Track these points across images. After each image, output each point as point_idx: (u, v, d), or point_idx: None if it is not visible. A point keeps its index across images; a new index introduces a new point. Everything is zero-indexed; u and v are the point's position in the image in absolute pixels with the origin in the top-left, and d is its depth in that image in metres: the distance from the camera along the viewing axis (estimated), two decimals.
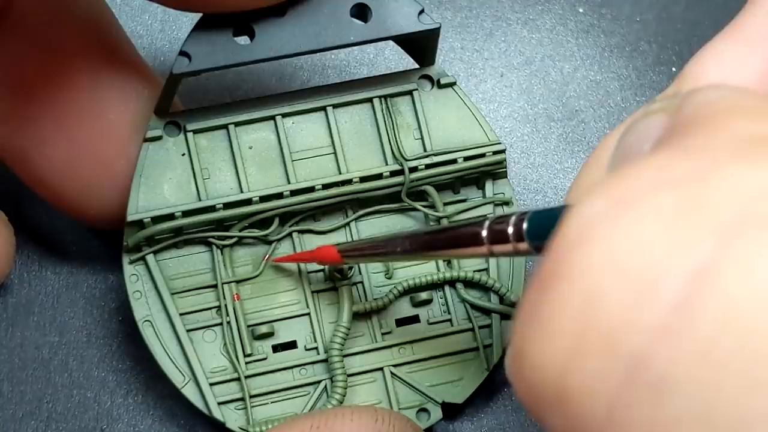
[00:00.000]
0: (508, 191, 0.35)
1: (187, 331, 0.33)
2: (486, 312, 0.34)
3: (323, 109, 0.34)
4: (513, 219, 0.22)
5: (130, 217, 0.32)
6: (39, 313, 0.36)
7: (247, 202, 0.33)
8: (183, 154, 0.33)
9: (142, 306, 0.33)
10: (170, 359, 0.33)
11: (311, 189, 0.34)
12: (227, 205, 0.33)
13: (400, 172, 0.34)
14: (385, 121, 0.34)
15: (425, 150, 0.34)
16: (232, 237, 0.34)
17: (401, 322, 0.34)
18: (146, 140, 0.33)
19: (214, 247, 0.34)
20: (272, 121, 0.34)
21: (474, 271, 0.34)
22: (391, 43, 0.35)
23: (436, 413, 0.33)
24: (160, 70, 0.37)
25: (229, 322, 0.33)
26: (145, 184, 0.33)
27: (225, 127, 0.34)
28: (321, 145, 0.34)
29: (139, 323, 0.33)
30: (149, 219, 0.33)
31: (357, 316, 0.34)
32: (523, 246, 0.22)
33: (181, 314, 0.33)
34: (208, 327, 0.33)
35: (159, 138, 0.33)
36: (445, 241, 0.27)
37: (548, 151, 0.39)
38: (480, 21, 0.40)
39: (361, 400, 0.33)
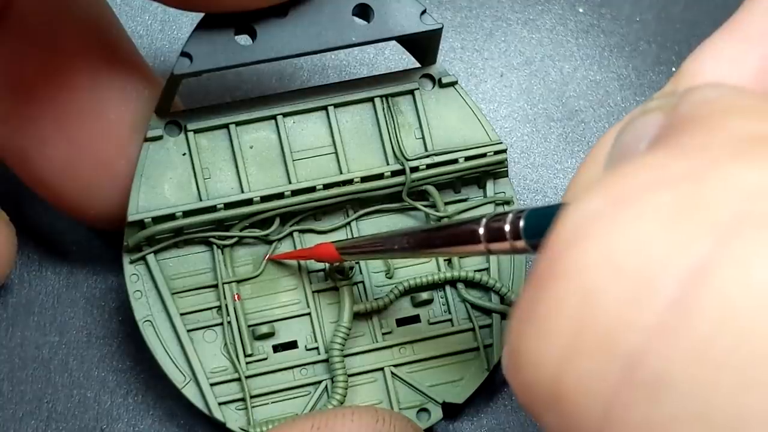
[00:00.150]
0: (509, 191, 0.35)
1: (188, 331, 0.33)
2: (486, 312, 0.34)
3: (324, 108, 0.34)
4: (510, 217, 0.22)
5: (130, 217, 0.32)
6: (39, 313, 0.36)
7: (248, 202, 0.33)
8: (183, 154, 0.33)
9: (142, 306, 0.33)
10: (170, 359, 0.33)
11: (312, 189, 0.34)
12: (228, 205, 0.33)
13: (401, 172, 0.34)
14: (386, 121, 0.34)
15: (426, 149, 0.34)
16: (232, 237, 0.34)
17: (402, 322, 0.34)
18: (147, 140, 0.33)
19: (215, 247, 0.34)
20: (273, 121, 0.34)
21: (475, 271, 0.34)
22: (391, 42, 0.35)
23: (437, 413, 0.33)
24: (160, 70, 0.37)
25: (229, 322, 0.33)
26: (146, 184, 0.33)
27: (226, 126, 0.34)
28: (322, 144, 0.34)
29: (139, 323, 0.33)
30: (150, 219, 0.33)
31: (358, 316, 0.34)
32: (520, 244, 0.22)
33: (181, 314, 0.33)
34: (209, 327, 0.33)
35: (159, 138, 0.33)
36: (442, 239, 0.27)
37: (548, 151, 0.39)
38: (480, 21, 0.40)
39: (362, 400, 0.33)
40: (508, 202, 0.35)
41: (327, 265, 0.34)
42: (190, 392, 0.33)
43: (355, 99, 0.34)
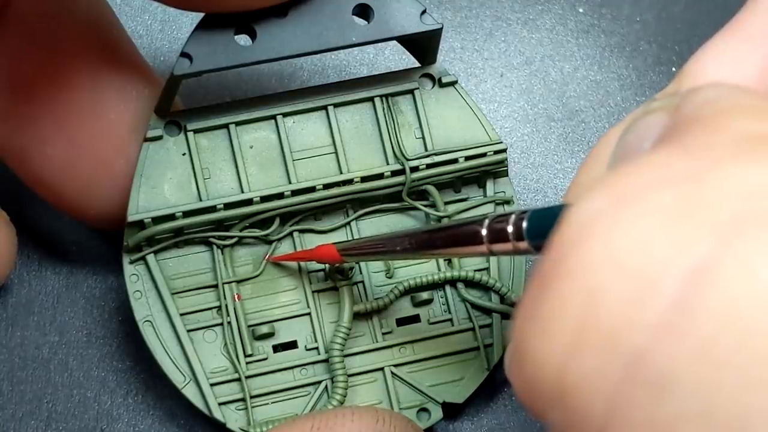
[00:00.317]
0: (509, 190, 0.35)
1: (188, 331, 0.33)
2: (487, 312, 0.34)
3: (324, 108, 0.34)
4: (513, 218, 0.22)
5: (130, 218, 0.32)
6: (39, 313, 0.36)
7: (248, 202, 0.33)
8: (183, 154, 0.33)
9: (142, 306, 0.33)
10: (170, 359, 0.33)
11: (312, 189, 0.34)
12: (228, 205, 0.33)
13: (401, 172, 0.34)
14: (386, 121, 0.34)
15: (426, 149, 0.34)
16: (232, 237, 0.34)
17: (402, 322, 0.34)
18: (146, 140, 0.33)
19: (215, 247, 0.34)
20: (273, 121, 0.34)
21: (475, 271, 0.34)
22: (391, 42, 0.35)
23: (437, 413, 0.33)
24: (160, 70, 0.37)
25: (229, 322, 0.33)
26: (146, 184, 0.33)
27: (226, 126, 0.34)
28: (322, 144, 0.34)
29: (139, 323, 0.33)
30: (150, 219, 0.33)
31: (358, 316, 0.34)
32: (523, 245, 0.22)
33: (181, 314, 0.33)
34: (209, 327, 0.33)
35: (159, 138, 0.33)
36: (444, 240, 0.27)
37: (548, 151, 0.39)
38: (480, 21, 0.40)
39: (362, 400, 0.33)
40: (508, 202, 0.35)
41: (327, 265, 0.34)
42: (190, 392, 0.33)
43: (355, 99, 0.34)
